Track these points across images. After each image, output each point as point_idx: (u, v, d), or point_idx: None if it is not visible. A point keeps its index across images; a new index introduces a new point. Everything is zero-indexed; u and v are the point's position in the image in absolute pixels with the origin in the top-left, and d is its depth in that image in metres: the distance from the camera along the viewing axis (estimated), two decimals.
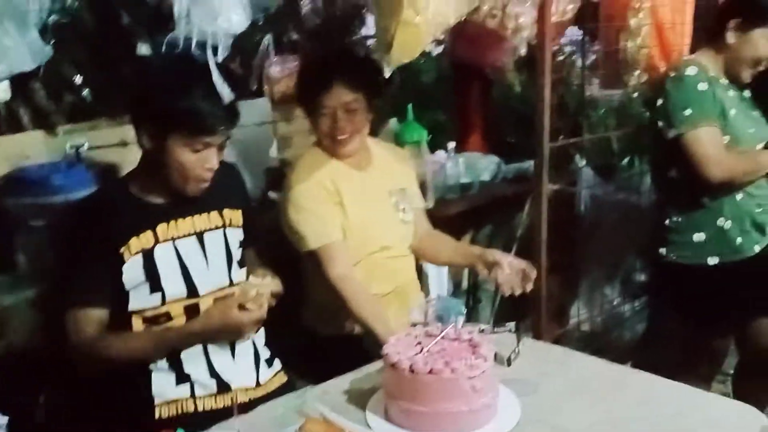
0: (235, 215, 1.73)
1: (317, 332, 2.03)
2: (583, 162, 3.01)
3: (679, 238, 2.33)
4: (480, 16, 1.96)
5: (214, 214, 1.69)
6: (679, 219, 2.33)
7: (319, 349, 1.98)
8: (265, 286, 1.59)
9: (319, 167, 1.96)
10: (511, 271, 1.83)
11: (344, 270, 1.88)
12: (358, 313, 1.85)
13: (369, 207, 1.99)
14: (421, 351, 1.41)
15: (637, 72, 2.59)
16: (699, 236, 2.29)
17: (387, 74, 1.72)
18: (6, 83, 1.98)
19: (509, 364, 1.60)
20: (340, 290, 1.85)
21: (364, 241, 1.97)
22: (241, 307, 1.56)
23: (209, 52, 1.35)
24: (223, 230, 1.70)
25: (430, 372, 1.32)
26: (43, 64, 2.00)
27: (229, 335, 1.63)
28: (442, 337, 1.46)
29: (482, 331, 1.69)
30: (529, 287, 1.84)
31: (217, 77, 1.47)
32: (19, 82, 2.04)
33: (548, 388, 1.51)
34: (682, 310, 2.42)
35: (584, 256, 3.04)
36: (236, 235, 1.73)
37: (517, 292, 1.83)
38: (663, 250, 2.36)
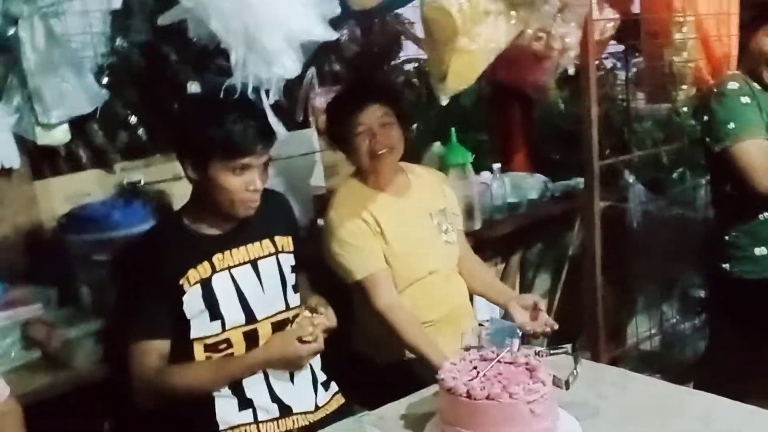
0: (286, 241, 1.77)
1: (369, 358, 2.03)
2: (633, 177, 2.95)
3: (739, 253, 2.29)
4: (525, 39, 1.96)
5: (266, 241, 1.74)
6: (739, 234, 2.29)
7: (372, 375, 1.98)
8: (321, 319, 1.64)
9: (356, 199, 1.99)
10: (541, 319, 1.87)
11: (390, 299, 1.90)
12: (409, 341, 1.87)
13: (411, 233, 2.00)
14: (477, 376, 1.40)
15: (685, 86, 2.55)
16: (760, 250, 2.24)
17: (443, 103, 1.75)
18: (65, 126, 2.07)
19: (567, 388, 1.57)
20: (388, 319, 1.87)
21: (410, 268, 1.98)
22: (299, 339, 1.60)
23: (263, 95, 1.40)
24: (276, 257, 1.74)
25: (488, 397, 1.31)
26: (99, 106, 2.12)
27: (287, 366, 1.66)
28: (498, 361, 1.45)
29: (538, 353, 1.67)
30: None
31: (271, 116, 1.52)
32: (78, 124, 2.14)
33: (608, 411, 1.48)
34: (745, 325, 2.35)
35: (639, 273, 2.97)
36: (288, 261, 1.77)
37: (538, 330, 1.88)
38: (726, 266, 2.31)
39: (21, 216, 2.07)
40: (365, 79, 2.28)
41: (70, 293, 1.93)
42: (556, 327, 1.88)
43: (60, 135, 2.06)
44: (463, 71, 1.70)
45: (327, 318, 1.68)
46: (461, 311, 2.07)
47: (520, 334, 1.64)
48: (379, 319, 1.88)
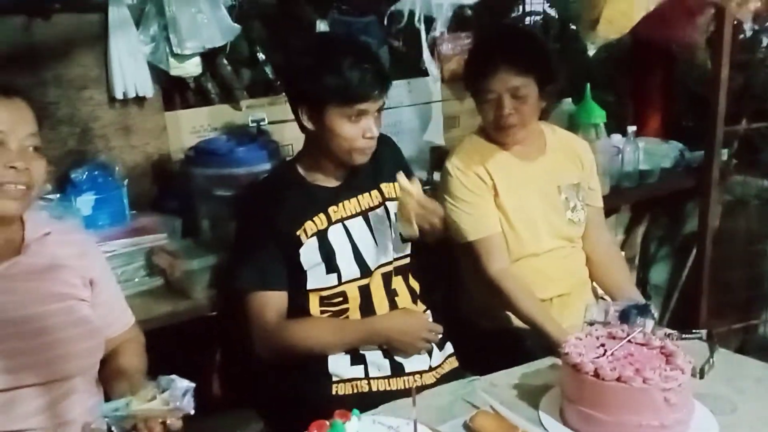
0: (392, 188, 1.72)
1: (477, 325, 1.95)
2: None
3: None
4: None
5: (375, 192, 1.71)
6: None
7: (480, 342, 1.90)
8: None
9: (476, 156, 1.86)
10: None
11: (503, 264, 1.80)
12: (524, 311, 1.76)
13: (531, 203, 1.85)
14: (605, 354, 1.30)
15: None
16: None
17: (591, 53, 1.59)
18: (198, 58, 2.09)
19: (702, 377, 1.44)
20: (500, 286, 1.77)
21: (522, 241, 1.85)
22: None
23: (422, 27, 1.31)
24: (384, 205, 1.70)
25: (619, 379, 1.22)
26: (231, 41, 2.12)
27: (403, 342, 1.63)
28: (629, 341, 1.34)
29: (669, 336, 1.54)
30: None
31: (426, 53, 1.45)
32: (208, 58, 2.15)
33: (747, 409, 1.34)
34: None
35: None
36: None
37: None
38: None
39: (151, 145, 2.13)
40: (502, 34, 2.00)
41: (193, 225, 1.97)
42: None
43: (192, 67, 2.09)
44: (617, 18, 1.56)
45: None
46: (577, 291, 1.91)
47: (656, 314, 1.50)
48: (490, 285, 1.78)
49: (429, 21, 2.35)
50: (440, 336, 1.66)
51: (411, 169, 1.89)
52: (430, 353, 1.69)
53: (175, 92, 2.18)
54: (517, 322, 1.83)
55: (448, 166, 1.88)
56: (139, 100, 2.06)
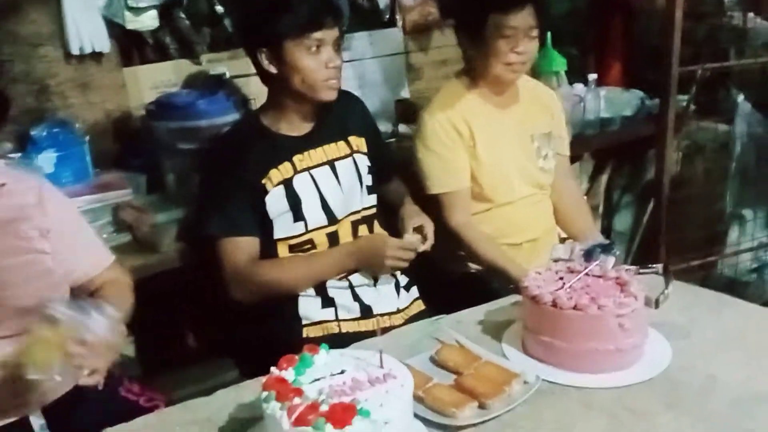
0: (361, 142, 1.74)
1: (444, 269, 2.00)
2: (741, 97, 2.72)
3: None
4: None
5: (342, 143, 1.72)
6: None
7: (448, 284, 1.95)
8: (418, 244, 1.63)
9: (455, 104, 1.87)
10: None
11: (464, 217, 1.85)
12: (484, 256, 1.83)
13: (507, 152, 1.89)
14: (563, 286, 1.35)
15: None
16: None
17: None
18: (154, 11, 2.06)
19: (657, 306, 1.48)
20: (461, 236, 1.83)
21: (499, 189, 1.89)
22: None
23: None
24: (352, 157, 1.72)
25: (575, 307, 1.26)
26: None
27: (373, 262, 1.64)
28: (586, 274, 1.39)
29: (626, 271, 1.59)
30: None
31: None
32: (165, 12, 2.12)
33: (700, 335, 1.40)
34: None
35: (739, 199, 2.79)
36: (365, 161, 1.74)
37: None
38: None
39: (110, 102, 2.11)
40: None
41: (158, 180, 1.97)
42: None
43: (148, 20, 2.06)
44: None
45: (428, 239, 1.66)
46: (545, 236, 1.97)
47: (618, 252, 1.55)
48: (451, 235, 1.83)
49: None
50: (413, 254, 1.65)
51: (377, 125, 1.91)
52: (398, 289, 1.72)
53: (132, 47, 2.15)
54: (476, 267, 1.90)
55: (425, 116, 1.88)
56: (96, 56, 2.03)
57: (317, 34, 1.57)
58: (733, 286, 2.68)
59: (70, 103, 2.03)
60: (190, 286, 2.06)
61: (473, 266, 1.93)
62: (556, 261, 1.54)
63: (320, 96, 1.63)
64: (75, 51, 1.97)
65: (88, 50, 1.98)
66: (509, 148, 1.89)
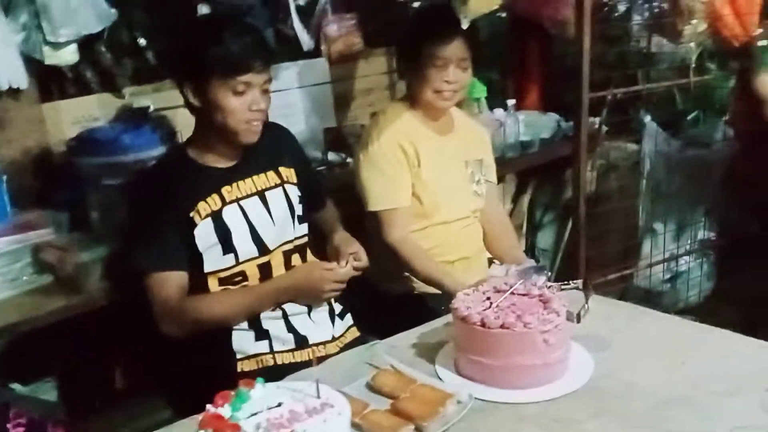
0: (290, 173, 1.76)
1: (382, 289, 2.04)
2: (648, 117, 2.91)
3: None
4: None
5: (271, 173, 1.72)
6: None
7: (384, 306, 1.99)
8: (350, 271, 1.65)
9: (401, 124, 1.94)
10: None
11: (402, 234, 1.90)
12: (422, 270, 1.88)
13: (446, 175, 1.97)
14: (491, 306, 1.40)
15: (694, 22, 2.51)
16: None
17: (464, 26, 1.69)
18: (74, 46, 2.02)
19: (578, 321, 1.56)
20: (399, 252, 1.88)
21: (438, 209, 1.96)
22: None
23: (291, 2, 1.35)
24: (282, 187, 1.73)
25: (502, 326, 1.31)
26: (108, 27, 2.06)
27: (310, 294, 1.66)
28: (512, 293, 1.45)
29: (549, 288, 1.67)
30: None
31: (297, 24, 1.48)
32: (86, 46, 2.08)
33: (620, 345, 1.48)
34: None
35: (652, 214, 2.96)
36: (295, 191, 1.75)
37: None
38: None
39: (29, 138, 2.05)
40: (450, 7, 2.12)
41: (82, 217, 1.92)
42: None
43: (68, 55, 2.02)
44: None
45: (362, 262, 1.68)
46: (476, 256, 2.07)
47: (548, 273, 1.64)
48: (389, 250, 1.88)
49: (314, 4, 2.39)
50: (344, 284, 1.67)
51: (306, 154, 1.93)
52: (332, 318, 1.74)
53: (52, 82, 2.10)
54: (417, 285, 1.95)
55: (373, 134, 1.93)
56: (14, 92, 1.98)
57: (245, 77, 1.56)
58: (649, 297, 2.83)
59: None
60: (116, 325, 2.01)
61: (409, 285, 1.98)
62: (492, 278, 1.62)
63: (240, 138, 1.62)
64: None
65: (4, 87, 1.92)
66: (448, 172, 1.98)
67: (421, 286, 1.96)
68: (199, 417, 1.09)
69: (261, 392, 1.16)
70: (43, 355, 1.73)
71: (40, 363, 1.93)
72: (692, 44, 2.65)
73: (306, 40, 1.49)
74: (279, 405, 1.12)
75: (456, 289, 1.65)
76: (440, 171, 1.95)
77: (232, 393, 1.14)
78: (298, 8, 1.41)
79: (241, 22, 1.69)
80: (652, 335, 1.52)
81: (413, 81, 1.94)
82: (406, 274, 1.95)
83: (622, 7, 2.99)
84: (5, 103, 1.99)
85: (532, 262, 1.77)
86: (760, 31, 2.45)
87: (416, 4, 3.15)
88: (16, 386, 1.86)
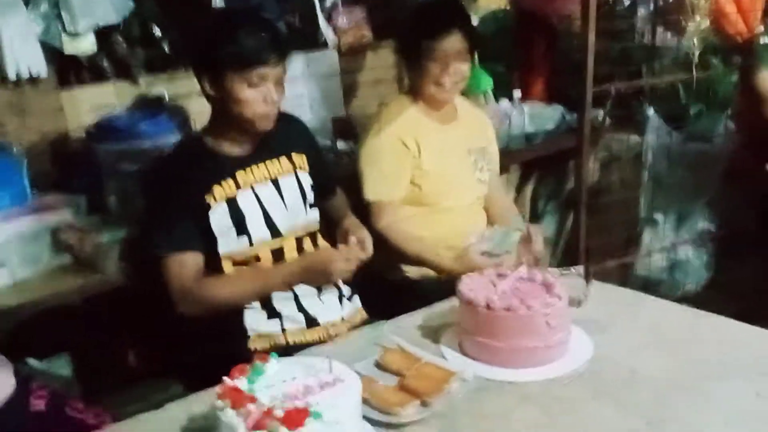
0: (303, 160, 1.81)
1: (385, 276, 2.09)
2: (651, 110, 2.95)
3: None
4: None
5: (284, 159, 1.77)
6: None
7: (387, 292, 2.04)
8: (357, 251, 1.67)
9: (403, 119, 1.98)
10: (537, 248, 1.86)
11: (389, 221, 1.96)
12: (411, 251, 1.94)
13: (448, 164, 2.02)
14: (495, 290, 1.46)
15: (697, 18, 2.54)
16: None
17: (474, 22, 1.73)
18: (92, 36, 2.08)
19: (579, 306, 1.62)
20: (388, 237, 1.94)
21: (440, 197, 2.01)
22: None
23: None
24: (296, 175, 1.78)
25: (507, 309, 1.37)
26: (125, 18, 2.11)
27: (321, 275, 1.68)
28: (516, 278, 1.51)
29: (551, 274, 1.72)
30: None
31: (322, 22, 1.51)
32: (103, 35, 2.14)
33: (619, 330, 1.53)
34: None
35: (653, 205, 3.01)
36: (307, 179, 1.80)
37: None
38: None
39: (48, 124, 2.11)
40: (452, 2, 2.10)
41: (99, 201, 1.98)
42: (540, 257, 1.91)
43: (86, 45, 2.07)
44: None
45: (366, 250, 1.71)
46: None
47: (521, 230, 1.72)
48: (379, 237, 1.91)
49: None
50: (356, 264, 1.68)
51: (318, 143, 1.98)
52: (341, 300, 1.79)
53: (70, 71, 2.15)
54: (410, 273, 2.01)
55: (375, 127, 1.98)
56: (33, 80, 2.03)
57: (260, 70, 1.60)
58: (649, 285, 2.88)
59: (6, 127, 2.02)
60: (131, 304, 2.07)
61: (409, 273, 2.03)
62: (468, 246, 1.72)
63: (255, 127, 1.67)
64: (12, 76, 1.97)
65: (25, 75, 1.98)
66: (451, 160, 2.03)
67: (413, 272, 2.02)
68: (217, 389, 1.15)
69: (276, 367, 1.21)
70: (58, 332, 1.79)
71: (55, 340, 1.99)
72: (695, 40, 2.68)
73: (331, 37, 1.54)
74: (293, 379, 1.17)
75: (446, 264, 1.73)
76: (443, 160, 2.00)
77: (249, 367, 1.20)
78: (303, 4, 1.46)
79: (257, 16, 1.74)
80: (650, 320, 1.58)
81: (414, 75, 1.98)
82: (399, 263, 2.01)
83: (627, 1, 3.05)
84: (25, 91, 2.04)
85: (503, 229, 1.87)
86: (762, 28, 2.47)
87: None
88: (32, 361, 1.92)
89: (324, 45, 2.57)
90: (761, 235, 2.60)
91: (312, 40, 2.57)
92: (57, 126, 2.11)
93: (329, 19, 2.53)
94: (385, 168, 1.96)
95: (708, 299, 2.77)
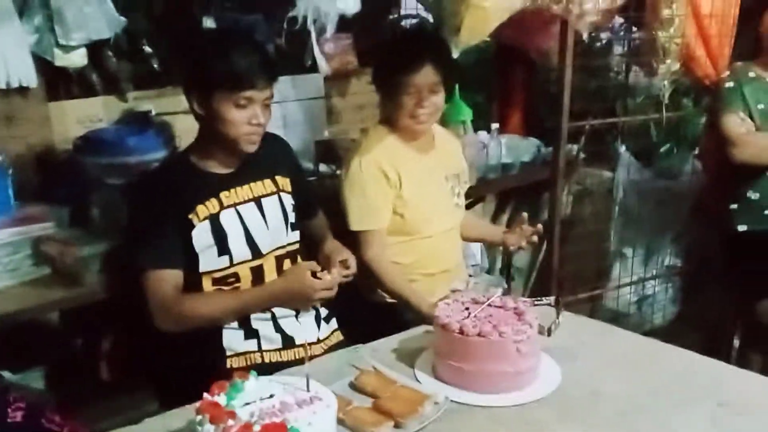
0: (286, 182, 1.84)
1: (362, 298, 2.12)
2: (623, 148, 3.05)
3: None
4: (544, 1, 2.00)
5: (268, 181, 1.80)
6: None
7: (364, 314, 2.07)
8: (342, 273, 1.73)
9: (382, 148, 2.01)
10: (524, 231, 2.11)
11: (377, 252, 1.99)
12: (391, 286, 1.99)
13: (428, 192, 2.06)
14: (469, 316, 1.51)
15: (668, 61, 2.65)
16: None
17: (455, 55, 1.79)
18: (83, 49, 2.10)
19: (549, 334, 1.68)
20: (373, 268, 1.98)
21: (421, 224, 2.05)
22: (313, 274, 1.70)
23: (312, 28, 1.45)
24: (278, 195, 1.81)
25: (479, 334, 1.42)
26: (116, 33, 2.15)
27: (300, 298, 1.73)
28: (489, 305, 1.56)
29: (524, 303, 1.78)
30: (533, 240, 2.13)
31: (317, 51, 1.56)
32: (93, 49, 2.16)
33: (587, 358, 1.58)
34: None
35: (622, 239, 3.09)
36: (289, 200, 1.83)
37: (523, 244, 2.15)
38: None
39: (35, 135, 2.12)
40: (424, 36, 2.14)
41: (82, 214, 1.98)
42: (541, 231, 2.12)
43: (77, 58, 2.10)
44: (475, 26, 1.76)
45: (350, 269, 1.76)
46: (457, 268, 2.18)
47: (504, 287, 1.76)
48: (365, 267, 1.97)
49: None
50: (334, 291, 1.73)
51: (301, 165, 2.01)
52: (318, 321, 1.83)
53: (59, 83, 2.17)
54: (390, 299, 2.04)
55: (355, 158, 2.00)
56: (22, 90, 2.05)
57: (248, 93, 1.63)
58: (617, 318, 2.96)
59: None
60: (109, 318, 2.08)
61: (387, 296, 2.07)
62: (453, 291, 1.73)
63: (240, 148, 1.70)
64: (1, 85, 1.99)
65: (14, 84, 2.00)
66: (430, 189, 2.07)
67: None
68: (196, 404, 1.17)
69: (254, 384, 1.24)
70: (35, 346, 1.78)
71: (31, 353, 1.99)
72: (666, 82, 2.79)
73: (324, 67, 1.58)
74: (271, 396, 1.20)
75: (421, 305, 1.81)
76: (423, 189, 2.04)
77: (228, 383, 1.22)
78: (292, 29, 1.50)
79: (249, 39, 1.77)
80: (616, 350, 1.64)
81: (389, 107, 2.01)
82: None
83: (603, 40, 3.16)
84: (14, 101, 2.06)
85: (491, 278, 1.91)
86: (727, 73, 2.60)
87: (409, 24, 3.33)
88: (6, 374, 1.91)
89: (310, 69, 2.63)
90: (726, 270, 2.70)
91: (299, 64, 2.62)
92: (43, 137, 2.13)
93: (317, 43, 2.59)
94: (369, 197, 1.99)
95: (675, 333, 2.86)
